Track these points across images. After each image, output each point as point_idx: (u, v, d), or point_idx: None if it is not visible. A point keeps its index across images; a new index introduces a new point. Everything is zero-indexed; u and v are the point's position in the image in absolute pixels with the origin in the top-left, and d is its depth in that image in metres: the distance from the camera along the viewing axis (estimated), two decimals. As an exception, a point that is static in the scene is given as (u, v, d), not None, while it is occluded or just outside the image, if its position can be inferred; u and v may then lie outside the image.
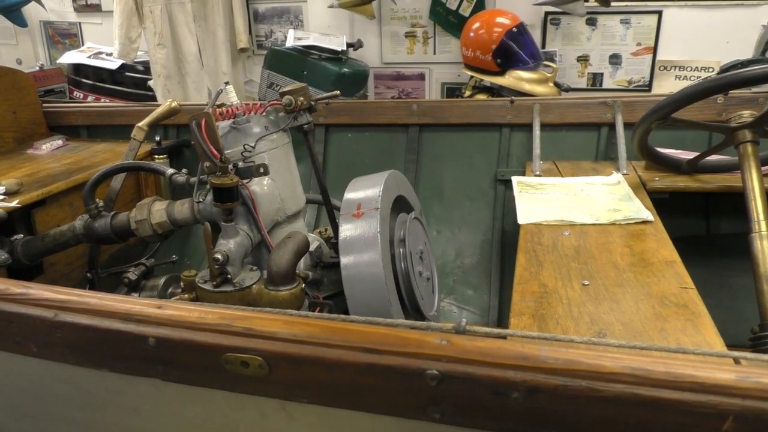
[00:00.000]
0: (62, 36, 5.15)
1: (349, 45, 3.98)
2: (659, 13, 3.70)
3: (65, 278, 2.04)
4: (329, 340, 0.84)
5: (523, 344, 0.77)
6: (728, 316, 1.57)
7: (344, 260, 1.42)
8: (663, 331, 1.11)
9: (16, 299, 1.03)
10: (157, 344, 0.93)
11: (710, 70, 3.66)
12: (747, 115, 1.60)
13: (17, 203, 1.81)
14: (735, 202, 1.60)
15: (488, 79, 3.65)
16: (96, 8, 4.96)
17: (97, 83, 4.18)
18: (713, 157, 1.84)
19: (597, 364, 0.73)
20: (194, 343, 0.91)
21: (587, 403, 0.72)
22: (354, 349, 0.83)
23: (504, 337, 0.88)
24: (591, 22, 3.85)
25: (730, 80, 1.54)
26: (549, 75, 3.54)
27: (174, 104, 2.06)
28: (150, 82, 4.09)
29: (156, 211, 1.62)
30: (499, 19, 3.61)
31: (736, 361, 0.86)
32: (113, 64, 4.12)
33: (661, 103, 1.65)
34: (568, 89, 3.71)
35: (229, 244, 1.44)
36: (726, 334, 1.09)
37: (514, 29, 3.54)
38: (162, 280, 1.69)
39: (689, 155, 1.88)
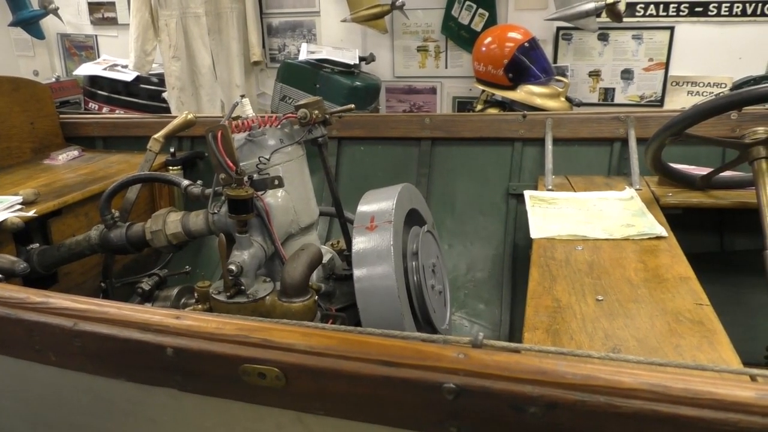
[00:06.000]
0: (78, 48, 5.22)
1: (361, 59, 4.01)
2: (671, 29, 3.70)
3: (79, 288, 2.05)
4: (346, 353, 0.85)
5: (541, 359, 0.77)
6: (743, 334, 1.56)
7: (357, 272, 1.43)
8: (678, 347, 1.10)
9: (36, 308, 1.04)
10: (175, 354, 0.94)
11: (723, 86, 3.66)
12: (761, 131, 1.60)
13: (34, 213, 1.83)
14: (749, 219, 1.59)
15: (500, 94, 3.65)
16: (112, 21, 5.02)
17: (112, 95, 4.22)
18: (727, 173, 1.84)
19: (615, 380, 0.72)
20: (212, 354, 0.91)
21: (606, 419, 0.72)
22: (371, 361, 0.83)
23: (519, 352, 0.88)
24: (603, 38, 3.86)
25: (745, 96, 1.54)
26: (560, 90, 3.54)
27: (190, 116, 2.08)
28: (164, 94, 4.13)
29: (171, 222, 1.63)
30: (511, 34, 3.62)
31: (753, 378, 0.85)
32: (128, 76, 4.15)
33: (675, 119, 1.65)
34: (580, 104, 3.71)
35: (243, 256, 1.45)
36: (741, 352, 1.08)
37: (526, 44, 3.55)
38: (175, 291, 1.70)
39: (703, 171, 1.88)
